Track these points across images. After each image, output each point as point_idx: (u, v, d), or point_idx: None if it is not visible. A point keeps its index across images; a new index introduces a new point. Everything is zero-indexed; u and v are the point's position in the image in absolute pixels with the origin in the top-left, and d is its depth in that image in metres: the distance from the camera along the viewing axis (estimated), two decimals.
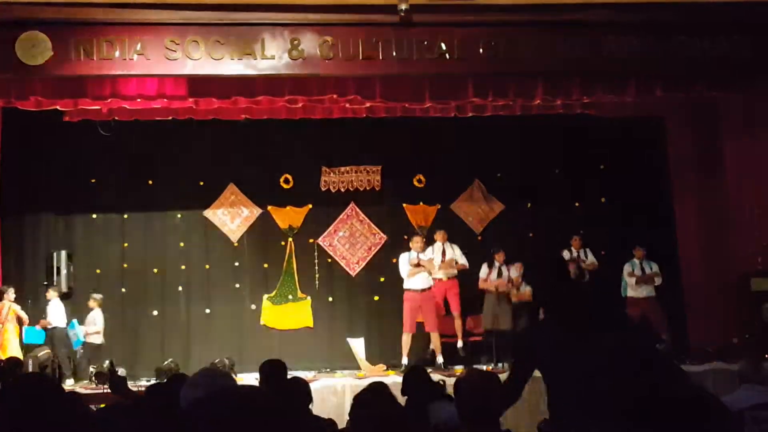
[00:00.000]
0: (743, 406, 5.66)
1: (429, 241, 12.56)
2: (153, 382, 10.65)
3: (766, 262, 11.88)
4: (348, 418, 5.80)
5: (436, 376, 9.99)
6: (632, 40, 10.96)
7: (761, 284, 11.64)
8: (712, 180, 12.83)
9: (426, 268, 11.79)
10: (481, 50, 10.90)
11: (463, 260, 12.18)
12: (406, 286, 11.81)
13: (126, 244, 13.00)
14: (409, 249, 12.06)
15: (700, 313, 12.77)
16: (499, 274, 12.15)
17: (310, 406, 5.44)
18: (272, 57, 10.66)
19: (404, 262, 11.89)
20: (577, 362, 3.94)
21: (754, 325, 11.35)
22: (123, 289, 12.90)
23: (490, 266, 12.25)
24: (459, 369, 11.13)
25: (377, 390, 5.21)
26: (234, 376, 10.78)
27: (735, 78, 11.57)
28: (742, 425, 5.47)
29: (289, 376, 6.11)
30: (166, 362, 11.31)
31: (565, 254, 12.24)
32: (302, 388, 5.36)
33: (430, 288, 11.76)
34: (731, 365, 10.13)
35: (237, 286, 13.11)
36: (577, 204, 13.63)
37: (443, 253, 12.17)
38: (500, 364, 11.18)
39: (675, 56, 10.99)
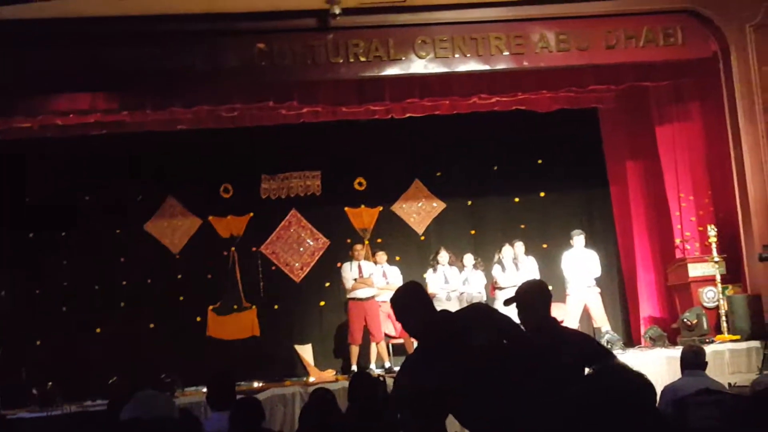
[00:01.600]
0: (687, 393, 5.76)
1: (373, 246, 12.59)
2: (98, 401, 10.50)
3: (702, 247, 12.09)
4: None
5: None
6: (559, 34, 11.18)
7: (698, 269, 11.83)
8: (647, 167, 13.04)
9: (366, 284, 11.76)
10: (415, 51, 10.98)
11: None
12: (349, 296, 11.76)
13: (65, 262, 12.78)
14: (350, 258, 11.99)
15: (641, 300, 12.97)
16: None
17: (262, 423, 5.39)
18: (205, 66, 10.61)
19: (346, 272, 11.86)
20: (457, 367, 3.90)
21: (693, 311, 11.53)
22: (64, 308, 12.67)
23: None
24: None
25: (320, 398, 5.20)
26: (181, 390, 10.70)
27: (662, 66, 11.84)
28: (686, 411, 5.56)
29: (238, 389, 6.06)
30: (111, 380, 11.11)
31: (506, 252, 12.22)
32: (253, 408, 5.29)
33: (374, 297, 11.71)
34: (673, 351, 10.30)
35: (181, 298, 12.97)
36: (516, 199, 13.73)
37: (384, 274, 12.04)
38: None
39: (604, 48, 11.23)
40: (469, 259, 12.25)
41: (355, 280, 11.71)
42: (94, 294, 12.77)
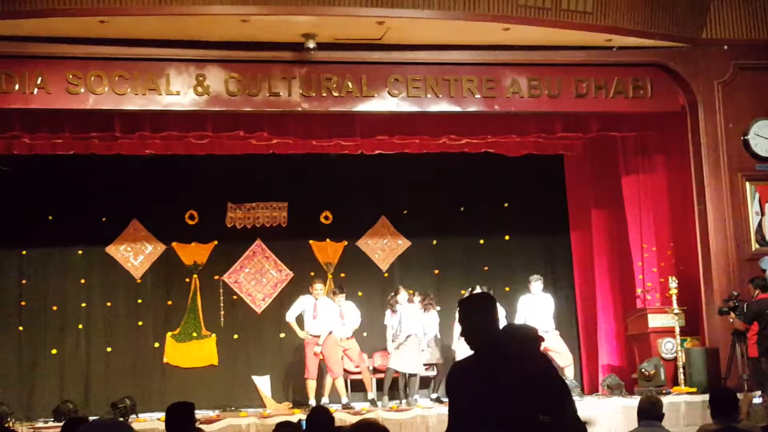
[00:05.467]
0: None
1: (336, 281, 12.55)
2: (50, 423, 10.37)
3: (663, 298, 12.19)
4: None
5: (341, 415, 10.01)
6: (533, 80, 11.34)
7: (658, 320, 11.93)
8: (611, 216, 13.17)
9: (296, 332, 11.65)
10: (387, 89, 11.06)
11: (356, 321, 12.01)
12: (305, 330, 11.51)
13: (24, 281, 12.63)
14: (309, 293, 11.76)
15: (600, 348, 13.02)
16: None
17: None
18: (177, 92, 10.63)
19: (298, 304, 11.66)
20: (479, 395, 4.01)
21: (651, 362, 11.59)
22: (20, 327, 12.50)
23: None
24: (366, 408, 11.11)
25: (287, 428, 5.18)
26: (136, 416, 10.59)
27: (630, 118, 12.03)
28: None
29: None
30: (64, 402, 10.99)
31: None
32: None
33: (331, 333, 11.53)
34: (630, 401, 10.35)
35: (140, 323, 12.84)
36: (481, 241, 13.78)
37: (341, 314, 11.78)
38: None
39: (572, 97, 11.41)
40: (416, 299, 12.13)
41: (301, 314, 11.60)
42: (52, 315, 12.61)
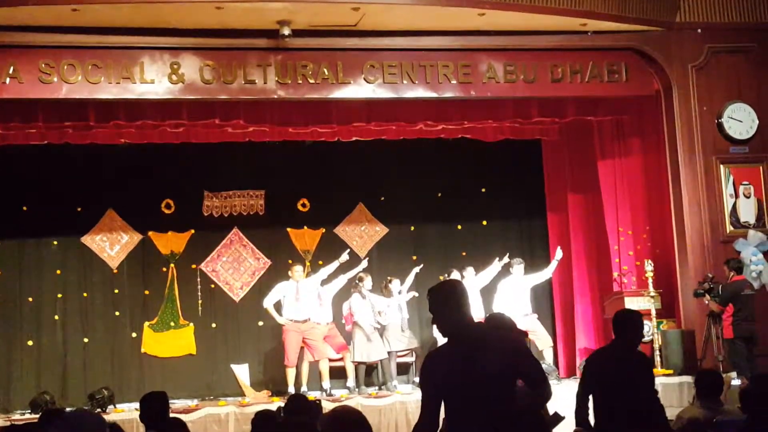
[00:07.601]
0: None
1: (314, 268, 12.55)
2: (27, 414, 10.32)
3: (639, 281, 12.27)
4: None
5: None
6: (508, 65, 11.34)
7: (634, 303, 11.98)
8: (588, 200, 13.21)
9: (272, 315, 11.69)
10: (363, 75, 11.03)
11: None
12: (285, 316, 11.57)
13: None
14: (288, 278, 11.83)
15: (577, 331, 13.08)
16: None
17: None
18: (152, 81, 10.55)
19: (277, 291, 11.73)
20: (458, 382, 4.03)
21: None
22: None
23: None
24: (344, 394, 11.12)
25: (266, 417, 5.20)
26: (113, 406, 10.56)
27: (606, 102, 12.07)
28: None
29: (172, 408, 6.00)
30: (41, 394, 10.93)
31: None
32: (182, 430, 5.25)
33: (309, 318, 11.55)
34: None
35: (117, 313, 12.78)
36: (459, 227, 13.81)
37: (319, 296, 11.78)
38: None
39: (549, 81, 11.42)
40: (396, 285, 12.15)
41: (279, 301, 11.61)
42: (28, 306, 12.53)
